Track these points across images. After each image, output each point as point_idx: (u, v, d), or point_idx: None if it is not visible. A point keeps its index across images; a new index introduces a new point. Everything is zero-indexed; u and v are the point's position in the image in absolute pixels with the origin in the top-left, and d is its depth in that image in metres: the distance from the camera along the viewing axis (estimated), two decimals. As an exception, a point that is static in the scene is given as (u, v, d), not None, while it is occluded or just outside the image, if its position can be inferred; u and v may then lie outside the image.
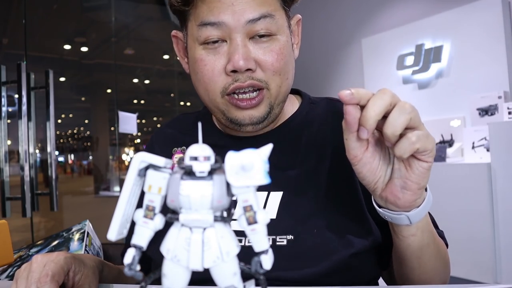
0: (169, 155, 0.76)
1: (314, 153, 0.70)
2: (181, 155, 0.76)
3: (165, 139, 0.82)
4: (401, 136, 0.47)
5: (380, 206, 0.57)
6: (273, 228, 0.64)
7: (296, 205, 0.66)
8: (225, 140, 0.75)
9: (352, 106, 0.48)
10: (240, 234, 0.60)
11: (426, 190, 0.55)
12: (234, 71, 0.63)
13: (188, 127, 0.82)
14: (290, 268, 0.61)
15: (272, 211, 0.66)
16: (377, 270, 0.71)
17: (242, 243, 0.64)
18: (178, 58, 0.77)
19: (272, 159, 0.74)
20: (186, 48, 0.72)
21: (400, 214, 0.54)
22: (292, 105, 0.78)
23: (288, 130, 0.74)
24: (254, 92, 0.65)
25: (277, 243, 0.63)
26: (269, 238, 0.63)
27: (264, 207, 0.67)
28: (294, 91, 0.82)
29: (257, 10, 0.62)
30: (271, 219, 0.65)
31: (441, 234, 0.71)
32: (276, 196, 0.67)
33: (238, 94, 0.65)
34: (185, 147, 0.77)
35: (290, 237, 0.64)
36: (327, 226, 0.64)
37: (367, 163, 0.52)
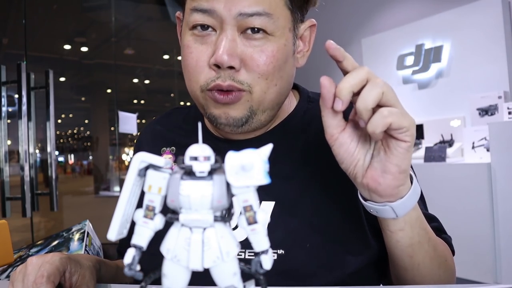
0: (156, 152, 0.72)
1: (310, 160, 0.66)
2: (169, 155, 0.72)
3: (154, 137, 0.78)
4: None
5: (365, 200, 0.54)
6: None
7: (289, 217, 0.62)
8: (215, 142, 0.71)
9: (327, 79, 0.48)
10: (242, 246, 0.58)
11: (412, 182, 0.52)
12: (217, 66, 0.58)
13: (178, 124, 0.78)
14: (281, 285, 0.57)
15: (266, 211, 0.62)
16: (377, 283, 0.68)
17: (242, 256, 0.61)
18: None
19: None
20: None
21: (384, 205, 0.51)
22: (290, 103, 0.74)
23: (283, 134, 0.69)
24: (233, 94, 0.60)
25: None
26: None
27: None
28: (293, 86, 0.77)
29: (253, 6, 0.57)
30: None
31: (447, 240, 0.68)
32: (267, 207, 0.63)
33: (216, 92, 0.61)
34: (174, 148, 0.73)
35: (280, 251, 0.60)
36: (322, 241, 0.61)
37: (343, 144, 0.51)
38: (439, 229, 0.69)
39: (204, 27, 0.59)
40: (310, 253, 0.60)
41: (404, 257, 0.57)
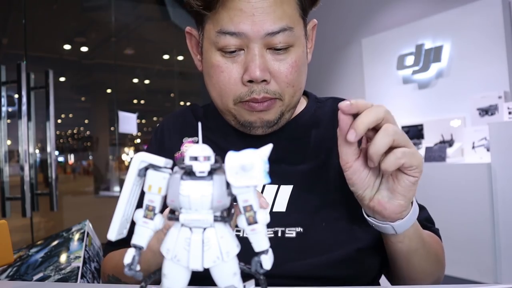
0: (178, 142, 0.76)
1: (323, 149, 0.72)
2: (191, 144, 0.74)
3: (177, 125, 0.82)
4: (390, 151, 0.51)
5: (368, 215, 0.59)
6: (283, 220, 0.66)
7: (305, 199, 0.67)
8: (235, 135, 0.76)
9: (347, 106, 0.51)
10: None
11: (412, 203, 0.57)
12: (250, 81, 0.64)
13: (199, 119, 0.82)
14: (299, 261, 0.63)
15: (281, 204, 0.67)
16: (381, 266, 0.72)
17: (241, 234, 0.65)
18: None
19: (281, 154, 0.74)
20: (201, 47, 0.72)
21: (385, 224, 0.57)
22: (300, 104, 0.79)
23: (296, 127, 0.76)
24: (266, 103, 0.67)
25: (286, 235, 0.65)
26: (278, 230, 0.65)
27: (274, 200, 0.68)
28: None
29: (277, 23, 0.62)
30: (281, 212, 0.67)
31: (435, 231, 0.73)
32: (286, 190, 0.68)
33: (254, 102, 0.67)
34: (197, 138, 0.76)
35: (299, 229, 0.65)
36: (335, 220, 0.66)
37: (357, 171, 0.55)
38: (427, 220, 0.75)
39: (232, 50, 0.64)
40: (325, 231, 0.65)
41: (402, 261, 0.64)
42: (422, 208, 0.74)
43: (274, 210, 0.67)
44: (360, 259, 0.64)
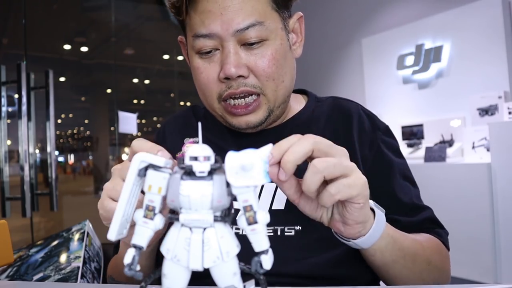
0: (180, 143, 0.77)
1: None
2: (192, 145, 0.75)
3: (179, 126, 0.83)
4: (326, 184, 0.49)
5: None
6: (282, 218, 0.66)
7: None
8: (233, 135, 0.76)
9: (270, 167, 0.47)
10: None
11: (375, 216, 0.55)
12: (227, 78, 0.66)
13: (199, 119, 0.83)
14: (298, 259, 0.63)
15: (280, 203, 0.67)
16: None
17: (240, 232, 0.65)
18: (180, 58, 0.79)
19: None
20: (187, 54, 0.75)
21: (349, 241, 0.56)
22: (299, 104, 0.80)
23: (295, 125, 0.76)
24: (250, 97, 0.67)
25: (285, 233, 0.65)
26: (277, 229, 0.65)
27: (273, 198, 0.68)
28: (301, 91, 0.85)
29: (246, 20, 0.63)
30: (280, 210, 0.67)
31: (440, 235, 0.71)
32: None
33: (233, 99, 0.67)
34: (198, 139, 0.77)
35: (298, 227, 0.65)
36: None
37: (306, 204, 0.54)
38: (432, 220, 0.73)
39: (208, 51, 0.67)
40: (324, 229, 0.64)
41: (381, 272, 0.62)
42: (425, 208, 0.73)
43: (273, 208, 0.67)
44: (358, 258, 0.64)
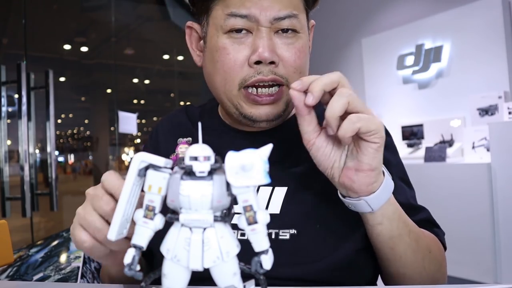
0: (173, 145, 0.76)
1: None
2: (186, 145, 0.74)
3: (172, 128, 0.81)
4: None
5: (343, 197, 0.59)
6: (277, 222, 0.65)
7: (300, 201, 0.66)
8: (230, 135, 0.75)
9: (296, 92, 0.53)
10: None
11: (384, 175, 0.56)
12: (257, 63, 0.64)
13: (195, 119, 0.81)
14: (292, 263, 0.62)
15: (276, 206, 0.66)
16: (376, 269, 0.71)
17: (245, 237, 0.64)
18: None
19: (276, 155, 0.74)
20: (203, 40, 0.72)
21: (359, 199, 0.56)
22: None
23: (293, 127, 0.73)
24: (274, 87, 0.66)
25: (280, 237, 0.64)
26: (272, 232, 0.64)
27: (268, 202, 0.67)
28: None
29: (284, 9, 0.64)
30: (275, 214, 0.66)
31: (437, 234, 0.71)
32: (280, 192, 0.68)
33: (258, 88, 0.65)
34: (191, 139, 0.76)
35: (293, 231, 0.64)
36: (329, 223, 0.65)
37: (320, 148, 0.56)
38: (428, 221, 0.73)
39: (240, 30, 0.65)
40: (319, 233, 0.64)
41: (385, 249, 0.61)
42: (422, 209, 0.73)
43: (268, 212, 0.67)
44: (354, 262, 0.64)
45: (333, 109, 0.50)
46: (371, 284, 0.70)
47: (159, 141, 0.80)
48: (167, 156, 0.73)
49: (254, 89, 0.65)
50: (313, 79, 0.52)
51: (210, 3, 0.68)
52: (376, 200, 0.55)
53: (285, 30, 0.65)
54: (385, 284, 0.73)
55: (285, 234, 0.64)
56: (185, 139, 0.76)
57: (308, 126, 0.54)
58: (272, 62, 0.64)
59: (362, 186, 0.54)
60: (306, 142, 0.56)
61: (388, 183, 0.56)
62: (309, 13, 0.72)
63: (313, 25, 0.75)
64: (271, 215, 0.65)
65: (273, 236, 0.64)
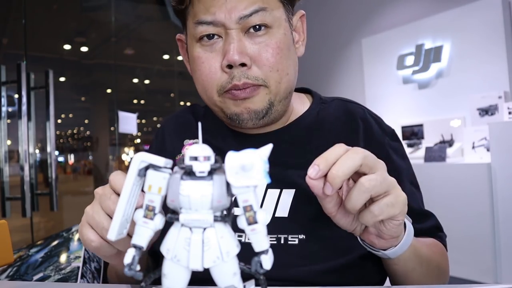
0: (179, 144, 0.76)
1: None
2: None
3: (177, 127, 0.81)
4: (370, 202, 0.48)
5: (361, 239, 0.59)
6: (285, 227, 0.65)
7: (308, 204, 0.65)
8: (233, 136, 0.75)
9: (313, 181, 0.47)
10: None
11: (405, 228, 0.55)
12: (230, 67, 0.63)
13: (200, 119, 0.81)
14: (300, 265, 0.62)
15: (284, 210, 0.66)
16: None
17: (242, 239, 0.64)
18: (180, 58, 0.77)
19: (284, 157, 0.72)
20: (186, 47, 0.73)
21: (378, 251, 0.56)
22: (303, 104, 0.78)
23: (299, 129, 0.74)
24: (249, 89, 0.64)
25: (289, 242, 0.64)
26: (281, 237, 0.64)
27: (276, 205, 0.66)
28: (304, 90, 0.82)
29: (249, 6, 0.62)
30: (283, 217, 0.65)
31: (441, 239, 0.72)
32: (288, 194, 0.67)
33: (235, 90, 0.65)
34: (198, 140, 0.76)
35: (302, 236, 0.64)
36: (338, 226, 0.65)
37: (342, 218, 0.53)
38: (436, 227, 0.73)
39: (210, 36, 0.64)
40: (328, 237, 0.64)
41: (399, 278, 0.63)
42: (430, 216, 0.73)
43: (276, 215, 0.66)
44: (362, 265, 0.64)
45: (353, 204, 0.47)
46: (378, 283, 0.70)
47: (165, 140, 0.80)
48: (173, 155, 0.73)
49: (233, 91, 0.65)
50: (331, 160, 0.46)
51: (184, 14, 0.69)
52: (395, 252, 0.55)
53: (256, 28, 0.63)
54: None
55: (294, 239, 0.64)
56: (191, 141, 0.76)
57: (329, 204, 0.51)
58: (243, 64, 0.63)
59: (382, 247, 0.54)
60: (328, 212, 0.53)
61: (409, 233, 0.56)
62: (292, 5, 0.70)
63: (302, 15, 0.73)
64: (280, 219, 0.65)
65: (282, 241, 0.64)
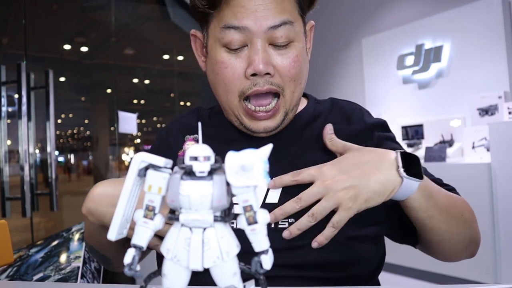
0: (183, 143, 0.78)
1: (318, 144, 0.73)
2: (192, 142, 0.77)
3: (182, 129, 0.83)
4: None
5: None
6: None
7: (298, 190, 0.66)
8: (238, 132, 0.77)
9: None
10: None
11: (402, 179, 0.60)
12: (254, 75, 0.66)
13: (204, 119, 0.84)
14: (292, 249, 0.64)
15: (274, 196, 0.68)
16: (381, 259, 0.73)
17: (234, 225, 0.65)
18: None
19: (279, 147, 0.74)
20: (205, 48, 0.74)
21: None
22: (301, 104, 0.81)
23: (296, 124, 0.77)
24: (273, 102, 0.69)
25: (280, 226, 0.65)
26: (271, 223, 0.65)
27: (267, 192, 0.68)
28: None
29: (278, 17, 0.65)
30: (273, 204, 0.67)
31: (452, 190, 0.78)
32: None
33: (256, 103, 0.69)
34: (197, 135, 0.78)
35: (291, 220, 0.65)
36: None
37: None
38: (440, 184, 0.78)
39: (237, 44, 0.67)
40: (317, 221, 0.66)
41: (419, 224, 0.68)
42: (451, 188, 0.80)
43: (266, 201, 0.67)
44: (352, 246, 0.65)
45: (324, 238, 0.60)
46: (373, 275, 0.71)
47: (170, 141, 0.82)
48: (177, 153, 0.74)
49: (253, 106, 0.68)
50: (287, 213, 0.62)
51: (207, 16, 0.70)
52: (402, 195, 0.61)
53: (280, 43, 0.66)
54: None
55: (284, 224, 0.65)
56: (192, 136, 0.78)
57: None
58: (267, 73, 0.66)
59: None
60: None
61: (407, 187, 0.61)
62: (305, 17, 0.73)
63: (312, 25, 0.77)
64: (270, 205, 0.67)
65: (272, 226, 0.65)
